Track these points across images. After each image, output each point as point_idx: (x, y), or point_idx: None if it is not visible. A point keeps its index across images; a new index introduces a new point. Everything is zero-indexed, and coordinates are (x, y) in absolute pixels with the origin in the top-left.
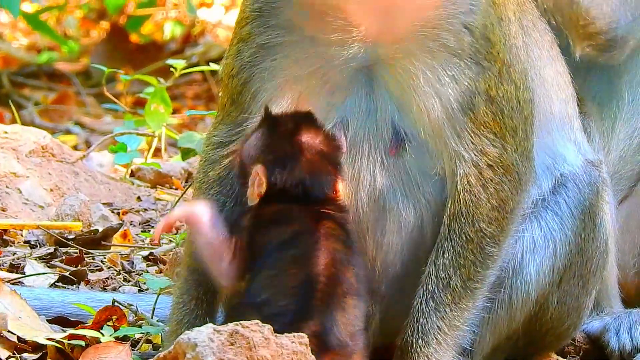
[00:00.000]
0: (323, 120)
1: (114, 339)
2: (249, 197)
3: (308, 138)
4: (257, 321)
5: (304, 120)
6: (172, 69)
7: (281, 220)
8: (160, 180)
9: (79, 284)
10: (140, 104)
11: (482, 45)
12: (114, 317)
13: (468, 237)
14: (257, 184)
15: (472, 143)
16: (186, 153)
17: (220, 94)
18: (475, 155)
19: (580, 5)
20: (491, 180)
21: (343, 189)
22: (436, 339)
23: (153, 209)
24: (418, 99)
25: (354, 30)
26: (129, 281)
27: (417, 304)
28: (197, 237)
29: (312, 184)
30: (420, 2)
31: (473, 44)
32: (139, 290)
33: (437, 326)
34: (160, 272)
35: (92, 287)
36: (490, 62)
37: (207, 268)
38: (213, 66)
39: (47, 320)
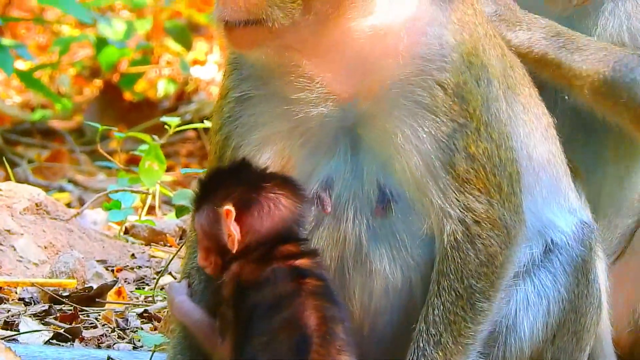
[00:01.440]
0: (306, 179)
1: None
2: (229, 244)
3: (283, 189)
4: None
5: (277, 175)
6: (166, 127)
7: (261, 283)
8: (155, 237)
9: (74, 341)
10: (134, 161)
11: (456, 102)
12: None
13: (458, 294)
14: (232, 227)
15: (457, 200)
16: (180, 210)
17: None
18: (461, 212)
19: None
20: (479, 236)
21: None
22: None
23: (147, 267)
24: (400, 157)
25: (327, 88)
26: (124, 338)
27: None
28: (187, 325)
29: (285, 237)
30: (392, 59)
31: (447, 101)
32: (134, 348)
33: None
34: (155, 329)
35: (86, 345)
36: (467, 120)
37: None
38: (207, 123)
39: None
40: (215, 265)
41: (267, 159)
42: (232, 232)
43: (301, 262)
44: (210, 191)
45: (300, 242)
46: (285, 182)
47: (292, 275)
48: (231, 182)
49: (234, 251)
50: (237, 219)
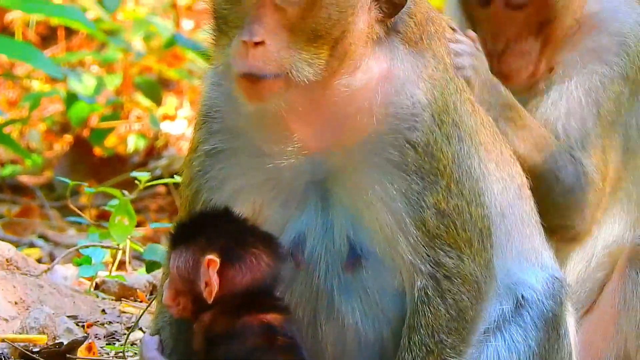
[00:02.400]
0: (278, 233)
1: None
2: (205, 294)
3: (265, 246)
4: None
5: (258, 229)
6: (136, 182)
7: (232, 337)
8: (125, 292)
9: None
10: (104, 216)
11: (426, 161)
12: None
13: (428, 349)
14: (213, 278)
15: (428, 255)
16: (151, 266)
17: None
18: (432, 267)
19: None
20: (449, 291)
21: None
22: None
23: (118, 322)
24: (370, 213)
25: (297, 143)
26: None
27: None
28: None
29: (261, 292)
30: (364, 117)
31: (417, 160)
32: None
33: None
34: None
35: None
36: (437, 177)
37: None
38: (177, 179)
39: None
40: (183, 308)
41: (238, 212)
42: (212, 283)
43: (273, 317)
44: (192, 234)
45: (273, 298)
46: (266, 238)
47: (262, 330)
48: (215, 229)
49: (209, 301)
50: (218, 270)
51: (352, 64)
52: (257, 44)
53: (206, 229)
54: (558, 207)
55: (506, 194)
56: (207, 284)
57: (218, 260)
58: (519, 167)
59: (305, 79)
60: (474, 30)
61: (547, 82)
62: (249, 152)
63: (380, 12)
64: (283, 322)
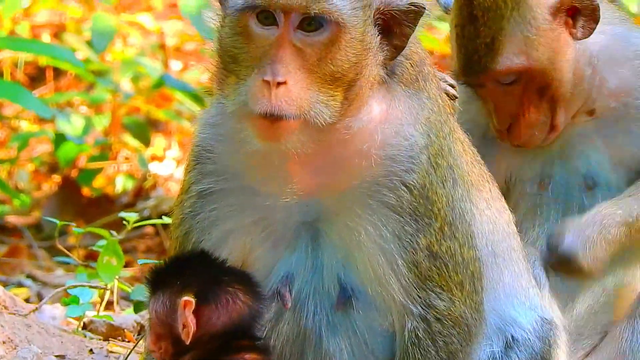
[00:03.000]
0: (267, 273)
1: None
2: (183, 335)
3: (241, 285)
4: None
5: (234, 269)
6: (124, 222)
7: None
8: (113, 333)
9: None
10: (92, 257)
11: (421, 204)
12: None
13: None
14: (189, 319)
15: (419, 297)
16: (139, 306)
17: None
18: (423, 309)
19: None
20: (440, 333)
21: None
22: None
23: None
24: (363, 255)
25: (293, 184)
26: None
27: None
28: None
29: (240, 332)
30: (360, 159)
31: (412, 202)
32: None
33: None
34: None
35: None
36: (431, 219)
37: None
38: (165, 220)
39: None
40: (165, 352)
41: (227, 253)
42: (189, 324)
43: (251, 357)
44: (168, 278)
45: (253, 338)
46: (243, 278)
47: None
48: (190, 272)
49: (187, 342)
50: (195, 311)
51: (359, 106)
52: (279, 83)
53: (181, 272)
54: None
55: (496, 233)
56: (184, 326)
57: (193, 300)
58: (504, 201)
59: (322, 121)
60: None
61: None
62: (242, 193)
63: (385, 55)
64: None
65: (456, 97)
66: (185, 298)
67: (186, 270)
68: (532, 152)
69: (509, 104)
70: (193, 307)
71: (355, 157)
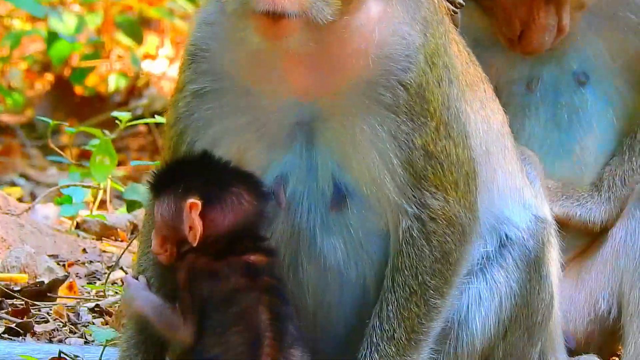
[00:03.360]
0: (261, 174)
1: None
2: (190, 237)
3: (246, 185)
4: None
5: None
6: (117, 121)
7: (216, 276)
8: (106, 232)
9: (25, 336)
10: (85, 156)
11: (417, 103)
12: None
13: (412, 290)
14: (196, 221)
15: (414, 197)
16: (131, 205)
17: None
18: (417, 208)
19: None
20: (434, 233)
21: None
22: None
23: (98, 261)
24: (358, 154)
25: (290, 83)
26: (75, 333)
27: (361, 356)
28: (147, 318)
29: (245, 232)
30: (357, 59)
31: (408, 101)
32: (85, 342)
33: None
34: (107, 324)
35: (38, 339)
36: (427, 119)
37: (164, 336)
38: (158, 118)
39: None
40: (170, 254)
41: (222, 153)
42: (195, 226)
43: (257, 258)
44: (174, 180)
45: (258, 239)
46: (248, 178)
47: (246, 271)
48: (194, 173)
49: (195, 244)
50: (201, 213)
51: (357, 5)
52: None
53: (186, 173)
54: None
55: (490, 132)
56: (191, 228)
57: (199, 202)
58: (498, 102)
59: (323, 19)
60: (487, 20)
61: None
62: (237, 92)
63: None
64: (267, 263)
65: (462, 6)
66: (191, 200)
67: (190, 172)
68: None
69: (519, 11)
70: (199, 209)
71: (353, 57)
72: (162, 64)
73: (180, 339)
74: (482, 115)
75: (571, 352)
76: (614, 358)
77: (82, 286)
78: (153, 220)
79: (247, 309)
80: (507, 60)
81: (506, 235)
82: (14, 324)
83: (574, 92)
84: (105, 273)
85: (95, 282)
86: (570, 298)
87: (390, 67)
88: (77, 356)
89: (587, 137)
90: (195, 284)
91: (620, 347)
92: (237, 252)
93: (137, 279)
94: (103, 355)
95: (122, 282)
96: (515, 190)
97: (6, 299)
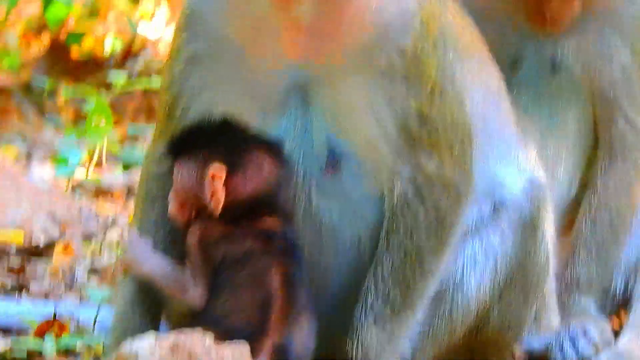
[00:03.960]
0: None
1: (57, 353)
2: (212, 204)
3: (267, 151)
4: (198, 330)
5: (259, 135)
6: (113, 83)
7: (231, 239)
8: (102, 192)
9: (21, 295)
10: (81, 117)
11: (413, 67)
12: (56, 328)
13: (407, 252)
14: (219, 189)
15: (409, 160)
16: (127, 166)
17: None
18: (412, 172)
19: None
20: (429, 196)
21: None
22: (376, 350)
23: (94, 222)
24: (353, 118)
25: (286, 48)
26: (71, 292)
27: (357, 317)
28: (153, 279)
29: (264, 198)
30: (354, 23)
31: (404, 66)
32: (81, 301)
33: (377, 339)
34: (102, 283)
35: (34, 298)
36: (423, 83)
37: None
38: (154, 80)
39: None
40: (187, 218)
41: (199, 114)
42: (218, 193)
43: (273, 223)
44: (196, 145)
45: (276, 203)
46: (269, 143)
47: (261, 235)
48: (218, 138)
49: (216, 211)
50: (224, 180)
51: None
52: None
53: (208, 138)
54: None
55: (487, 96)
56: (213, 194)
57: (223, 169)
58: (495, 66)
59: None
60: None
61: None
62: (232, 58)
63: None
64: (282, 228)
65: None
66: (215, 167)
67: (212, 137)
68: (507, 34)
69: None
70: (223, 175)
71: (350, 22)
72: (159, 26)
73: (189, 301)
74: (479, 79)
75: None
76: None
77: (78, 246)
78: (156, 182)
79: (258, 272)
80: (495, 36)
81: (501, 198)
82: (10, 284)
83: (551, 78)
84: (100, 233)
85: (90, 242)
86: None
87: (387, 32)
88: (72, 315)
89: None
90: (209, 247)
91: (623, 312)
92: (254, 217)
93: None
94: (98, 314)
95: (123, 243)
96: (511, 153)
97: (2, 258)
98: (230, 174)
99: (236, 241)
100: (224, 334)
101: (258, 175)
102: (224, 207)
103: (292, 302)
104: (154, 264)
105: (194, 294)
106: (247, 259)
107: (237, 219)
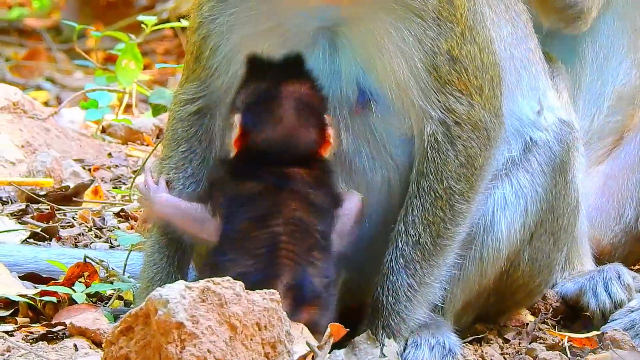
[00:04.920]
0: None
1: (86, 299)
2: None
3: (292, 88)
4: (228, 278)
5: (291, 67)
6: (142, 25)
7: (249, 181)
8: (131, 136)
9: (51, 241)
10: (111, 60)
11: (444, 8)
12: (86, 274)
13: (437, 194)
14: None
15: (439, 101)
16: (157, 109)
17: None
18: (442, 113)
19: None
20: (459, 137)
21: (329, 147)
22: (407, 295)
23: (124, 166)
24: (383, 58)
25: None
26: (101, 238)
27: (387, 261)
28: (169, 220)
29: (291, 143)
30: None
31: (437, 6)
32: (110, 247)
33: (408, 283)
34: (132, 228)
35: (63, 244)
36: (453, 24)
37: (190, 236)
38: (183, 22)
39: (19, 277)
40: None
41: (226, 53)
42: (233, 139)
43: (293, 170)
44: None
45: (301, 152)
46: (301, 78)
47: (279, 179)
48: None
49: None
50: (241, 125)
51: None
52: None
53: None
54: None
55: (515, 34)
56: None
57: (239, 118)
58: (521, 3)
59: None
60: None
61: None
62: None
63: None
64: (303, 175)
65: None
66: (236, 116)
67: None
68: None
69: None
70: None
71: None
72: None
73: (205, 238)
74: (506, 18)
75: (596, 259)
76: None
77: (108, 190)
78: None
79: (269, 215)
80: None
81: (531, 139)
82: (40, 229)
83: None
84: (130, 177)
85: (120, 187)
86: (596, 205)
87: None
88: (102, 260)
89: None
90: (226, 186)
91: None
92: (276, 162)
93: (156, 182)
94: (128, 260)
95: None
96: (540, 92)
97: (31, 203)
98: (243, 124)
99: (253, 183)
100: (234, 277)
101: (272, 125)
102: (241, 151)
103: (301, 241)
104: (168, 204)
105: (210, 230)
106: (259, 201)
107: (259, 162)
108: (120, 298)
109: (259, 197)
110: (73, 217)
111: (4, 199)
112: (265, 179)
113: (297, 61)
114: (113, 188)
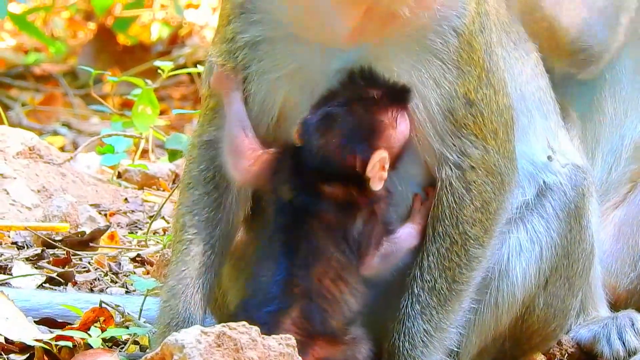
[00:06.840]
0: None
1: (102, 344)
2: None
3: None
4: (244, 323)
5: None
6: (159, 71)
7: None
8: (148, 181)
9: (66, 285)
10: (127, 105)
11: (464, 50)
12: (102, 319)
13: (452, 239)
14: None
15: (454, 145)
16: (173, 154)
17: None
18: (457, 157)
19: (559, 27)
20: (474, 182)
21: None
22: (423, 341)
23: (140, 211)
24: None
25: (340, 31)
26: (116, 282)
27: (403, 307)
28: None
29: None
30: (414, 5)
31: (457, 48)
32: (126, 292)
33: (424, 329)
34: (148, 273)
35: (79, 289)
36: (471, 67)
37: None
38: (200, 68)
39: (35, 322)
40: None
41: (271, 102)
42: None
43: (331, 191)
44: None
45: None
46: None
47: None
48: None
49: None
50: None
51: None
52: None
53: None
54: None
55: (524, 74)
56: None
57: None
58: (530, 42)
59: None
60: None
61: None
62: (286, 41)
63: None
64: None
65: None
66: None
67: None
68: None
69: None
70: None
71: (409, 5)
72: (205, 13)
73: (236, 168)
74: (516, 57)
75: (612, 306)
76: None
77: (124, 236)
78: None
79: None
80: None
81: (544, 182)
82: (56, 274)
83: None
84: (146, 223)
85: (136, 232)
86: (611, 252)
87: (445, 13)
88: (118, 305)
89: None
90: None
91: None
92: (316, 174)
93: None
94: (144, 305)
95: (164, 231)
96: (551, 133)
97: (48, 248)
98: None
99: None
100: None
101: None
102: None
103: (298, 272)
104: (236, 101)
105: (243, 168)
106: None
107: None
108: (136, 343)
109: (286, 205)
110: (89, 262)
111: (20, 244)
112: (298, 189)
113: (404, 90)
114: (129, 233)
